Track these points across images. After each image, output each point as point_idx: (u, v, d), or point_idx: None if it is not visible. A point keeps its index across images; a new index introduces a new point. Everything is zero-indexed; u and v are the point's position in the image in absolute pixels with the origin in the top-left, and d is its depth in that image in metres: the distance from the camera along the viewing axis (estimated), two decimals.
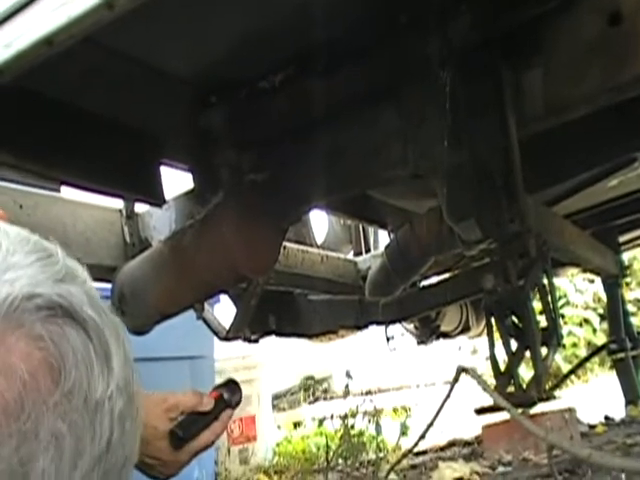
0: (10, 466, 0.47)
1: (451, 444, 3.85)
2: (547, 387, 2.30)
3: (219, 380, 3.82)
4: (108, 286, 1.92)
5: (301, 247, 2.73)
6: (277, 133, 1.71)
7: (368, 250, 3.25)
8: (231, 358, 4.83)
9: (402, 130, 1.54)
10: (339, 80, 1.58)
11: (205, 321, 2.34)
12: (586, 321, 8.78)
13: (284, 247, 2.40)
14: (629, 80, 1.34)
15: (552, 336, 2.18)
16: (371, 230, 3.28)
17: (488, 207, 1.55)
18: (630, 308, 5.31)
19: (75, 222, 2.04)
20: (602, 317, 8.20)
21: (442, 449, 3.76)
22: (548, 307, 2.21)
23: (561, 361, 7.63)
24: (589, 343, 8.43)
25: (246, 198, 1.73)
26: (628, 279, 6.85)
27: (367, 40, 1.53)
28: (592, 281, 8.29)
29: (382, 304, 2.89)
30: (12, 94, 1.25)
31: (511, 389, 2.13)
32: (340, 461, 3.97)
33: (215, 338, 2.48)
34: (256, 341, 2.51)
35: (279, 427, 6.53)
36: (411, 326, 3.31)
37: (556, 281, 2.83)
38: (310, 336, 2.84)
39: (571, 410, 2.89)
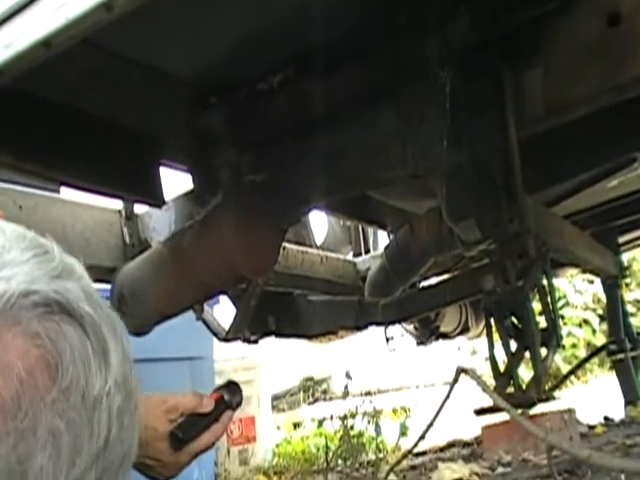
0: (8, 464, 0.47)
1: (451, 445, 3.84)
2: (546, 388, 2.30)
3: (219, 381, 3.82)
4: (107, 287, 1.92)
5: (301, 248, 2.73)
6: (276, 134, 1.71)
7: (367, 251, 3.25)
8: (230, 359, 4.83)
9: (401, 131, 1.54)
10: (338, 81, 1.58)
11: (204, 322, 2.34)
12: (585, 322, 8.78)
13: (283, 248, 2.40)
14: (629, 80, 1.34)
15: (551, 337, 2.18)
16: (370, 231, 3.28)
17: (487, 207, 1.55)
18: (629, 309, 5.30)
19: (74, 223, 2.04)
20: (602, 318, 8.20)
21: (442, 450, 3.75)
22: (547, 308, 2.21)
23: (560, 362, 7.63)
24: (589, 344, 8.43)
25: (245, 199, 1.73)
26: (627, 280, 6.85)
27: (366, 41, 1.53)
28: (592, 282, 8.29)
29: (382, 305, 2.89)
30: (11, 95, 1.25)
31: (511, 390, 2.13)
32: (340, 462, 3.97)
33: (214, 339, 2.48)
34: (255, 342, 2.51)
35: (279, 428, 6.52)
36: (411, 327, 3.31)
37: (555, 282, 2.83)
38: (310, 337, 2.84)
39: (571, 411, 2.88)
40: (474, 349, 7.85)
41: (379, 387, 7.24)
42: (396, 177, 1.64)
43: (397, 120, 1.55)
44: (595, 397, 5.29)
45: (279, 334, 2.60)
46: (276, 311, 2.54)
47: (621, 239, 3.69)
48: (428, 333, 3.28)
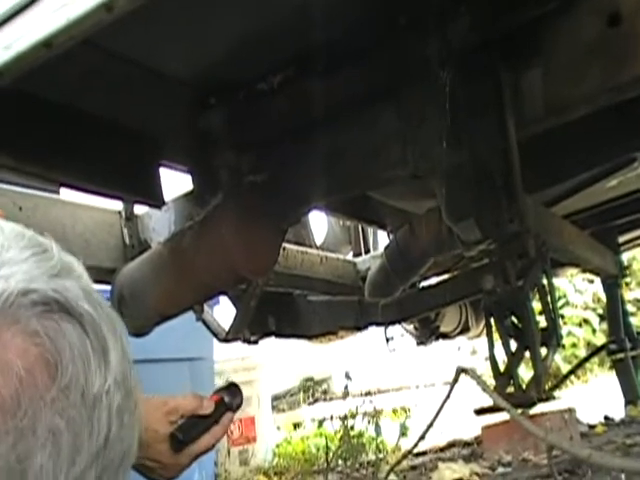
0: (7, 463, 0.47)
1: (451, 445, 3.85)
2: (547, 387, 2.30)
3: (219, 381, 3.82)
4: (107, 288, 1.92)
5: (300, 248, 2.73)
6: (276, 134, 1.71)
7: (367, 251, 3.25)
8: (230, 359, 4.83)
9: (402, 131, 1.54)
10: (338, 81, 1.58)
11: (204, 322, 2.34)
12: (585, 321, 8.79)
13: (283, 248, 2.40)
14: (629, 80, 1.34)
15: (551, 336, 2.18)
16: (370, 231, 3.28)
17: (487, 207, 1.55)
18: (629, 308, 5.30)
19: (74, 224, 2.04)
20: (602, 317, 8.21)
21: (442, 450, 3.75)
22: (547, 307, 2.21)
23: (561, 361, 7.64)
24: (589, 343, 8.43)
25: (245, 199, 1.73)
26: (627, 279, 6.84)
27: (366, 41, 1.53)
28: (591, 281, 8.30)
29: (382, 305, 2.89)
30: (12, 96, 1.25)
31: (511, 389, 2.13)
32: (340, 462, 3.97)
33: (214, 339, 2.48)
34: (255, 342, 2.51)
35: (279, 428, 6.53)
36: (411, 327, 3.31)
37: (555, 281, 2.83)
38: (310, 337, 2.84)
39: (571, 410, 2.88)
40: (474, 349, 7.86)
41: (379, 387, 7.24)
42: (396, 177, 1.64)
43: (397, 120, 1.55)
44: (595, 397, 5.29)
45: (279, 334, 2.60)
46: (276, 311, 2.54)
47: (621, 239, 3.69)
48: (428, 333, 3.28)
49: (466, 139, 1.46)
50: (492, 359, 2.20)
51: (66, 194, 2.07)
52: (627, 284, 7.63)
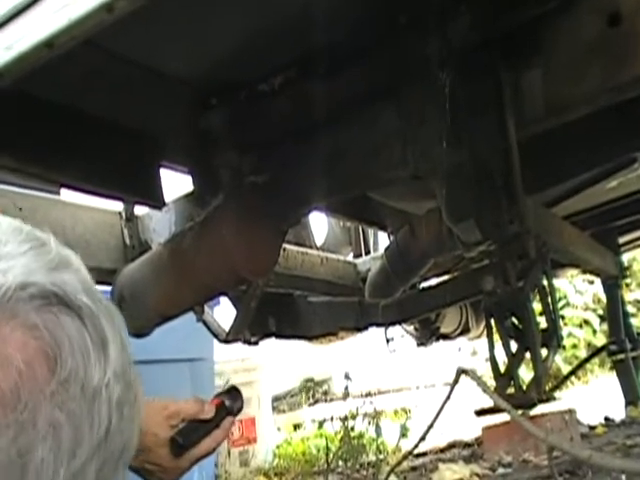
0: (8, 457, 0.47)
1: (451, 446, 3.85)
2: (547, 388, 2.30)
3: (219, 382, 3.82)
4: (108, 289, 1.92)
5: (301, 249, 2.73)
6: (277, 135, 1.71)
7: (368, 252, 3.25)
8: (231, 360, 4.84)
9: (402, 130, 1.54)
10: (339, 82, 1.58)
11: (205, 323, 2.34)
12: (586, 322, 8.80)
13: (284, 249, 2.40)
14: (629, 80, 1.34)
15: (552, 337, 2.19)
16: (371, 232, 3.28)
17: (487, 208, 1.55)
18: (630, 309, 5.31)
19: (75, 225, 2.04)
20: (602, 318, 8.21)
21: (442, 451, 3.76)
22: (548, 308, 2.21)
23: (561, 362, 7.64)
24: (589, 344, 8.44)
25: (246, 200, 1.73)
26: (628, 280, 6.86)
27: (367, 41, 1.53)
28: (592, 282, 8.30)
29: (382, 306, 2.90)
30: (13, 97, 1.25)
31: (511, 390, 2.13)
32: (340, 463, 3.98)
33: (215, 340, 2.48)
34: (256, 343, 2.51)
35: (279, 429, 6.53)
36: (411, 328, 3.31)
37: (556, 282, 2.83)
38: (310, 338, 2.84)
39: (571, 411, 2.88)
40: (474, 350, 7.86)
41: (379, 388, 7.24)
42: (397, 177, 1.64)
43: (398, 120, 1.54)
44: (596, 397, 5.29)
45: (279, 335, 2.60)
46: (276, 312, 2.54)
47: (621, 239, 3.69)
48: (428, 334, 3.29)
49: (466, 138, 1.46)
50: (492, 360, 2.21)
51: (66, 195, 2.07)
52: (627, 285, 7.64)
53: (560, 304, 8.02)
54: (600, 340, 7.83)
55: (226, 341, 2.37)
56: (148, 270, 1.86)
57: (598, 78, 1.36)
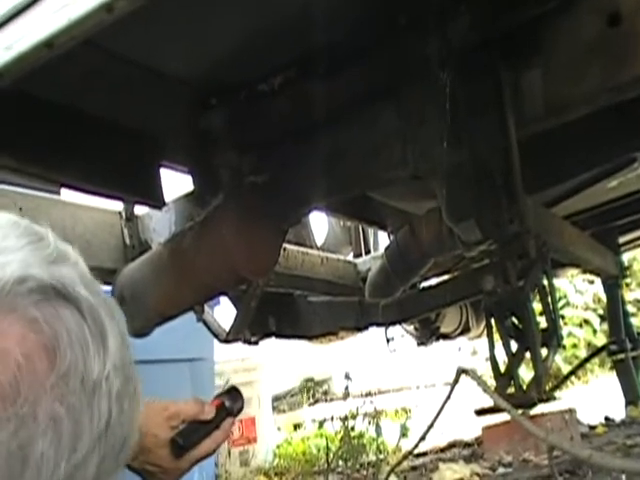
0: (9, 450, 0.47)
1: (451, 445, 3.85)
2: (547, 388, 2.30)
3: (219, 382, 3.82)
4: (108, 288, 1.92)
5: (301, 249, 2.73)
6: (277, 135, 1.71)
7: (368, 252, 3.25)
8: (231, 360, 4.84)
9: (402, 130, 1.54)
10: (339, 82, 1.58)
11: (205, 323, 2.34)
12: (586, 322, 8.79)
13: (284, 249, 2.40)
14: (629, 80, 1.34)
15: (552, 337, 2.18)
16: (371, 231, 3.28)
17: (488, 208, 1.55)
18: (630, 309, 5.31)
19: (75, 224, 2.04)
20: (602, 318, 8.21)
21: (442, 450, 3.76)
22: (548, 308, 2.21)
23: (561, 362, 7.64)
24: (589, 344, 8.44)
25: (246, 200, 1.73)
26: (628, 280, 6.86)
27: (367, 41, 1.53)
28: (592, 282, 8.30)
29: (382, 305, 2.89)
30: (12, 97, 1.25)
31: (511, 390, 2.13)
32: (340, 463, 3.98)
33: (215, 340, 2.48)
34: (256, 343, 2.51)
35: (279, 429, 6.53)
36: (411, 327, 3.31)
37: (556, 282, 2.83)
38: (310, 338, 2.84)
39: (571, 411, 2.89)
40: (475, 349, 7.86)
41: (380, 388, 7.24)
42: (397, 177, 1.64)
43: (397, 120, 1.55)
44: (596, 397, 5.29)
45: (279, 335, 2.60)
46: (276, 312, 2.54)
47: (621, 239, 3.69)
48: (428, 334, 3.29)
49: (466, 138, 1.46)
50: (493, 360, 2.21)
51: (66, 195, 2.07)
52: (627, 285, 7.64)
53: (560, 304, 8.02)
54: (600, 340, 7.83)
55: (226, 341, 2.37)
56: (148, 270, 1.86)
57: (598, 78, 1.36)
